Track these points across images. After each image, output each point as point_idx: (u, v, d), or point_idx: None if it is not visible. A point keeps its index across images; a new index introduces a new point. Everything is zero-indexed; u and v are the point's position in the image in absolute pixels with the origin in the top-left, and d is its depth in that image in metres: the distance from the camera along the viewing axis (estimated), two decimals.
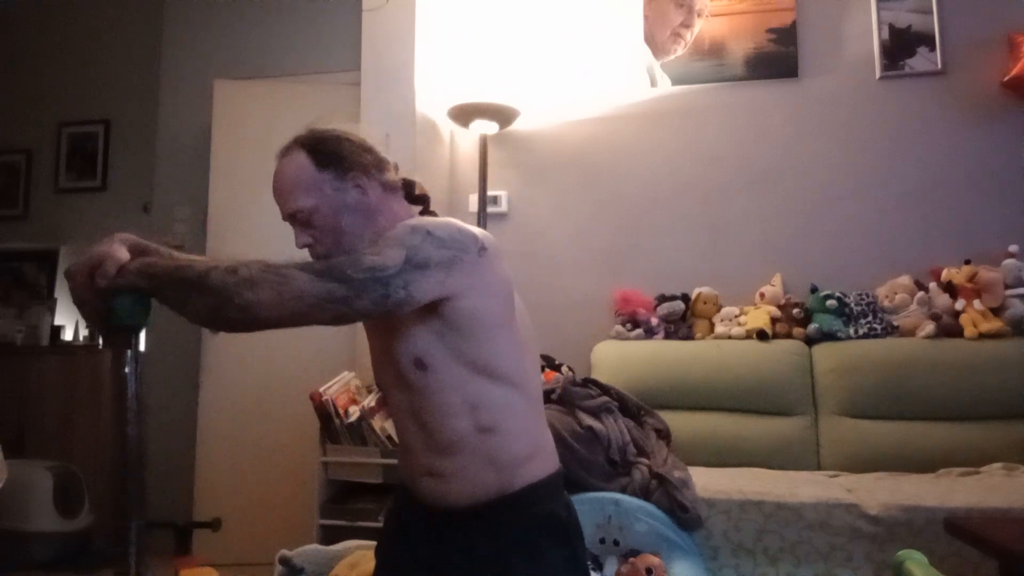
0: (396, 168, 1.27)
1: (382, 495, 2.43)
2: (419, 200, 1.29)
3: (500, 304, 1.13)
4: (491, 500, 1.11)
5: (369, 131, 1.28)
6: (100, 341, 3.50)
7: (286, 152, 1.20)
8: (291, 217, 1.18)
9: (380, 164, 1.23)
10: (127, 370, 1.04)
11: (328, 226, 1.17)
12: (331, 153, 1.18)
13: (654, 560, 1.81)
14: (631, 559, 1.83)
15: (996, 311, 2.65)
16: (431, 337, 1.09)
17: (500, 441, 1.11)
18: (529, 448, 1.15)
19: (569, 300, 3.18)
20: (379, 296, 0.99)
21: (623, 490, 2.04)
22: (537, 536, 1.12)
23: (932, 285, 2.78)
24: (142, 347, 1.07)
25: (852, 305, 2.82)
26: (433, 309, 1.07)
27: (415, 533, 1.19)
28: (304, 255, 1.20)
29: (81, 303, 1.01)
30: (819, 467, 2.59)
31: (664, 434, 2.39)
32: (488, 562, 1.10)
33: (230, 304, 0.96)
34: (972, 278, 2.70)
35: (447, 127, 3.28)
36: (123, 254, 1.01)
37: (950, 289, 2.71)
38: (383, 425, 2.43)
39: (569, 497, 1.22)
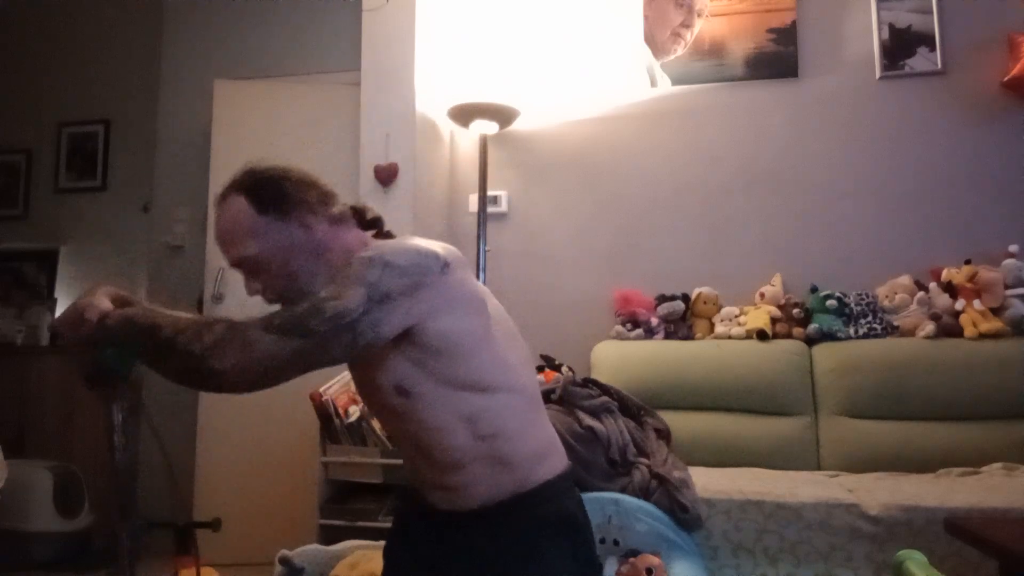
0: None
1: (382, 495, 2.43)
2: (372, 224, 1.24)
3: (472, 317, 1.09)
4: (503, 500, 1.11)
5: (317, 178, 1.20)
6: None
7: (224, 198, 1.14)
8: (238, 265, 1.13)
9: (325, 198, 1.17)
10: (116, 417, 1.03)
11: (277, 271, 1.12)
12: (271, 194, 1.12)
13: (654, 560, 1.80)
14: (631, 559, 1.82)
15: (996, 311, 2.65)
16: (408, 364, 1.06)
17: (505, 443, 1.11)
18: (535, 444, 1.15)
19: (569, 300, 3.18)
20: (348, 342, 0.97)
21: (623, 490, 2.04)
22: (543, 534, 1.12)
23: (932, 285, 2.78)
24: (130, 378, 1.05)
25: (852, 305, 2.82)
26: (405, 336, 1.04)
27: (418, 533, 1.19)
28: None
29: (69, 355, 1.03)
30: (819, 467, 2.58)
31: (664, 434, 2.38)
32: (499, 561, 1.10)
33: (198, 372, 0.95)
34: (972, 278, 2.70)
35: (447, 127, 3.28)
36: (105, 303, 1.03)
37: (950, 289, 2.71)
38: None
39: (580, 495, 1.22)
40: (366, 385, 1.16)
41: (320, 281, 1.07)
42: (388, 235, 1.25)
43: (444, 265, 1.06)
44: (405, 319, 1.02)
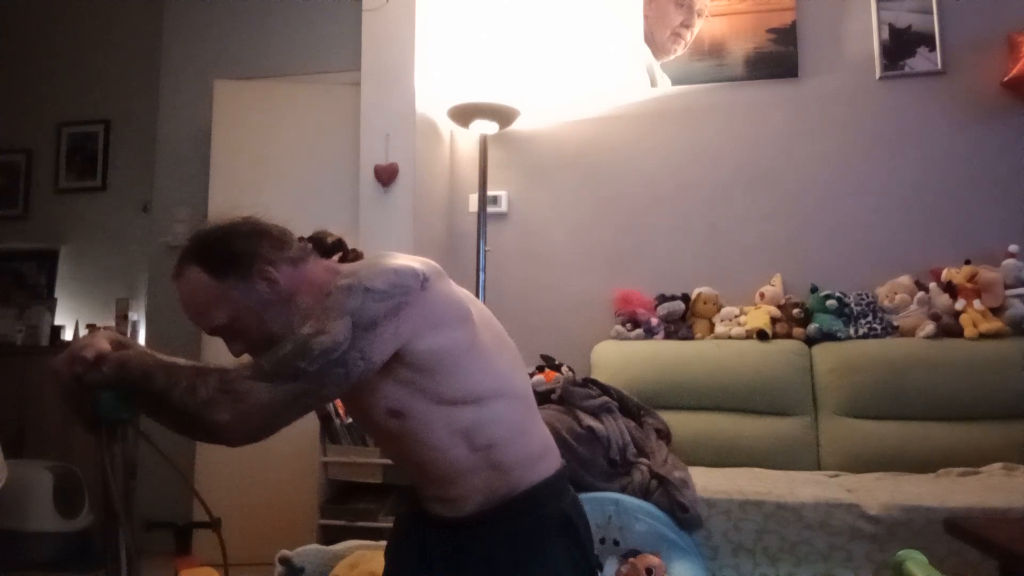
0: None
1: (382, 495, 2.43)
2: (335, 248, 1.21)
3: (458, 329, 1.08)
4: (499, 503, 1.11)
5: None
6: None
7: (180, 272, 1.10)
8: (214, 334, 1.12)
9: (279, 242, 1.13)
10: (112, 464, 1.00)
11: (253, 329, 1.09)
12: (224, 258, 1.08)
13: (654, 560, 1.81)
14: (631, 559, 1.82)
15: (996, 311, 2.65)
16: (398, 386, 1.05)
17: (501, 450, 1.11)
18: (531, 447, 1.15)
19: (569, 300, 3.18)
20: (341, 377, 0.96)
21: (623, 490, 2.04)
22: (546, 535, 1.12)
23: (932, 285, 2.78)
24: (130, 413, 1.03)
25: (852, 305, 2.82)
26: (393, 358, 1.02)
27: (420, 536, 1.19)
28: None
29: (66, 397, 0.99)
30: (819, 467, 2.59)
31: (664, 434, 2.39)
32: (498, 563, 1.10)
33: (195, 426, 0.94)
34: (972, 278, 2.70)
35: (447, 127, 3.28)
36: (104, 344, 1.00)
37: (950, 289, 2.71)
38: None
39: (575, 494, 1.22)
40: (359, 411, 1.15)
41: (299, 323, 1.02)
42: (356, 254, 1.22)
43: (424, 280, 1.04)
44: (393, 342, 1.00)
